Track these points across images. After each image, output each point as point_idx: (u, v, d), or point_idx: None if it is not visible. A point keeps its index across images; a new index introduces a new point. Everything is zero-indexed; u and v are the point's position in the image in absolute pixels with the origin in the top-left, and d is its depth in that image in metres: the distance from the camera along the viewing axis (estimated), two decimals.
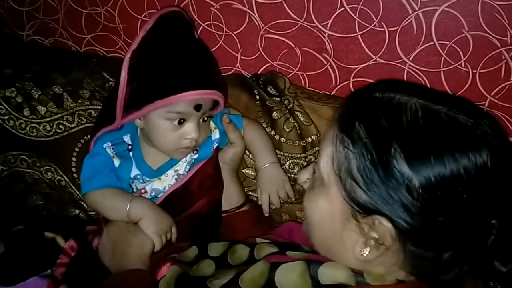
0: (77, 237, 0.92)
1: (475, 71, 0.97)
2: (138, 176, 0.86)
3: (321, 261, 0.63)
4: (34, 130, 1.09)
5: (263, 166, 0.92)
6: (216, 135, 0.90)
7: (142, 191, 0.86)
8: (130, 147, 0.87)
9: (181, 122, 0.80)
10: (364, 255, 0.59)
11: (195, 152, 0.88)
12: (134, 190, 0.87)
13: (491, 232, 0.57)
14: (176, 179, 0.87)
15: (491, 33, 0.92)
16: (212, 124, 0.90)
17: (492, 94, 0.98)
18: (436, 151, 0.54)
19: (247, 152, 0.98)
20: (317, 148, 0.97)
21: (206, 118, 0.84)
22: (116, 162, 0.86)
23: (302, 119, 0.98)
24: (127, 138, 0.88)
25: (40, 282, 0.87)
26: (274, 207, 0.96)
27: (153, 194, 0.87)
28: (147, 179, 0.86)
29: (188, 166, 0.88)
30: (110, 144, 0.86)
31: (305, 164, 0.97)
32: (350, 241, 0.61)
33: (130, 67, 0.81)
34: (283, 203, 0.95)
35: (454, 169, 0.54)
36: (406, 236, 0.57)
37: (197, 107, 0.80)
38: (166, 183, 0.86)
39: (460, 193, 0.54)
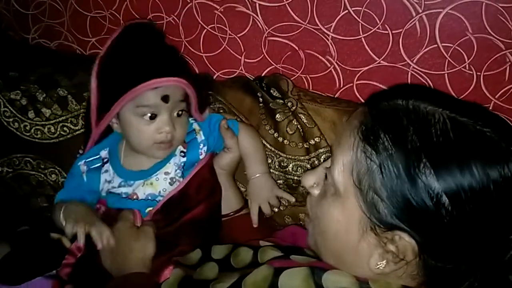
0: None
1: (479, 73, 0.97)
2: (123, 183, 0.86)
3: (326, 269, 0.62)
4: (38, 132, 1.10)
5: (254, 176, 0.93)
6: (201, 137, 0.90)
7: (134, 196, 0.86)
8: (106, 160, 0.88)
9: (153, 117, 0.81)
10: (381, 268, 0.58)
11: (182, 155, 0.87)
12: (124, 196, 0.86)
13: (510, 248, 0.56)
14: (170, 183, 0.86)
15: (495, 35, 0.92)
16: (196, 126, 0.90)
17: (496, 96, 0.98)
18: (467, 167, 0.53)
19: None
20: (320, 150, 0.96)
21: (180, 113, 0.84)
22: (85, 178, 0.88)
23: (305, 121, 0.98)
24: (104, 153, 0.89)
25: (45, 282, 0.88)
26: (266, 216, 0.96)
27: (149, 198, 0.86)
28: (132, 182, 0.86)
29: (179, 170, 0.87)
30: (84, 161, 0.89)
31: (309, 166, 0.97)
32: (365, 253, 0.60)
33: (98, 74, 0.84)
34: (275, 210, 0.95)
35: (485, 185, 0.53)
36: (428, 251, 0.56)
37: (164, 98, 0.79)
38: (159, 187, 0.86)
39: (487, 208, 0.53)
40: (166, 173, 0.86)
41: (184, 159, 0.88)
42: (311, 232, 0.70)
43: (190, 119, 0.90)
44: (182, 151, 0.88)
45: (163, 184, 0.86)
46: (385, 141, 0.56)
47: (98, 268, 0.84)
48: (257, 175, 0.92)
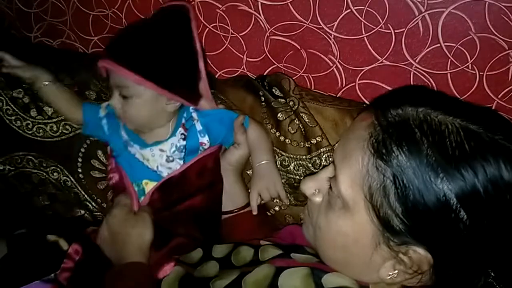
0: (81, 240, 0.92)
1: (482, 73, 0.97)
2: (127, 138, 0.90)
3: (327, 271, 0.62)
4: (41, 130, 1.10)
5: (258, 163, 0.93)
6: (199, 126, 0.90)
7: (141, 159, 0.89)
8: None
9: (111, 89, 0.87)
10: (393, 278, 0.58)
11: (183, 137, 0.88)
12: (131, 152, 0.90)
13: None
14: (166, 160, 0.87)
15: (498, 35, 0.92)
16: (195, 116, 0.91)
17: (499, 96, 0.98)
18: (484, 179, 0.52)
19: None
20: (322, 149, 0.96)
21: (125, 96, 0.84)
22: (104, 117, 0.94)
23: (307, 120, 0.98)
24: None
25: (43, 287, 0.87)
26: (273, 212, 0.97)
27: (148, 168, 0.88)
28: (132, 143, 0.89)
29: (178, 152, 0.88)
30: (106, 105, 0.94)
31: (310, 165, 0.97)
32: (376, 264, 0.59)
33: None
34: (285, 207, 0.96)
35: (504, 198, 0.52)
36: (443, 262, 0.56)
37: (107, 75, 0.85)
38: (156, 163, 0.88)
39: (504, 215, 0.53)
40: (162, 150, 0.87)
41: (184, 142, 0.89)
42: (314, 240, 0.68)
43: (190, 108, 0.91)
44: (182, 134, 0.89)
45: (159, 159, 0.87)
46: (398, 155, 0.54)
47: (98, 271, 0.84)
48: (262, 162, 0.92)
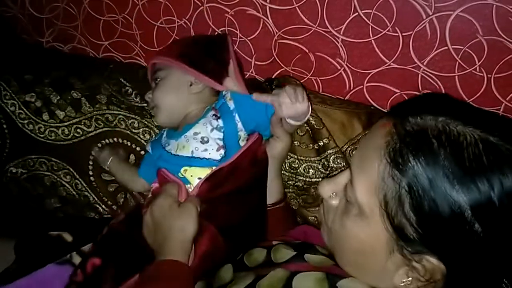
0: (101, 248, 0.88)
1: (490, 76, 0.97)
2: (165, 140, 0.92)
3: (342, 276, 0.62)
4: (52, 134, 1.12)
5: None
6: (231, 104, 0.89)
7: (173, 151, 0.88)
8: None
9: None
10: (407, 284, 0.58)
11: (215, 118, 0.87)
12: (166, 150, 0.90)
13: None
14: (201, 142, 0.86)
15: (505, 37, 0.92)
16: (228, 95, 0.90)
17: (507, 99, 0.98)
18: (502, 194, 0.52)
19: None
20: (329, 151, 0.97)
21: (156, 80, 0.95)
22: (150, 148, 0.96)
23: (313, 122, 0.98)
24: None
25: (58, 268, 0.86)
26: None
27: (184, 156, 0.87)
28: (170, 140, 0.90)
29: (216, 131, 0.86)
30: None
31: (320, 167, 0.98)
32: (390, 271, 0.59)
33: None
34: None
35: None
36: (457, 272, 0.56)
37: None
38: (191, 147, 0.85)
39: None
40: (195, 133, 0.86)
41: (221, 123, 0.87)
42: (329, 243, 0.69)
43: (223, 91, 0.92)
44: (214, 115, 0.88)
45: (193, 143, 0.85)
46: (414, 165, 0.54)
47: (136, 247, 0.83)
48: None
